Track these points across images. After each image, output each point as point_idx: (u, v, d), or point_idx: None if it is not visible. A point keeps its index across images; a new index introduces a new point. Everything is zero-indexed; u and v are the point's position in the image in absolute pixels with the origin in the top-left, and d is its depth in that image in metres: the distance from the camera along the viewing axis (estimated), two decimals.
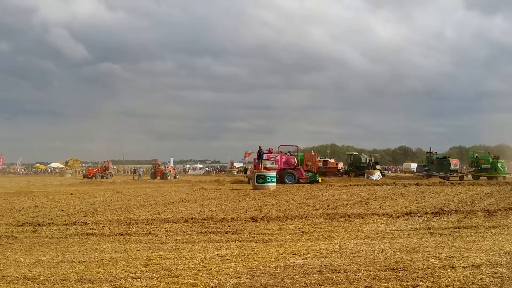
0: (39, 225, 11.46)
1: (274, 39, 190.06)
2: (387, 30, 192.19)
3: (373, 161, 50.26)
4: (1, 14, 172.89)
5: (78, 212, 14.38)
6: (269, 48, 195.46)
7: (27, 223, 11.83)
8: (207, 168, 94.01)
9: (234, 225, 11.16)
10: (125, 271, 6.41)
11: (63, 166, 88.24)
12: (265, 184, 25.87)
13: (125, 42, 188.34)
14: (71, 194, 23.79)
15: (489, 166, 40.06)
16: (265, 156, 33.00)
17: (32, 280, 5.96)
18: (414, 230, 10.18)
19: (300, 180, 33.14)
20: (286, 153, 35.12)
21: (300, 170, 33.91)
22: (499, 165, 39.67)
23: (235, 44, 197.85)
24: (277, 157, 33.59)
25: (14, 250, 8.36)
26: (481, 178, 39.79)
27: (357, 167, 49.64)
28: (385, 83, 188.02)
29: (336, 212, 13.36)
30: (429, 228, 10.51)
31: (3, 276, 6.19)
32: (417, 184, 29.27)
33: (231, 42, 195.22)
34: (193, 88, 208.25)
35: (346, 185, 30.03)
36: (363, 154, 55.12)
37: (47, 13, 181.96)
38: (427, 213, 13.02)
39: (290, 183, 31.75)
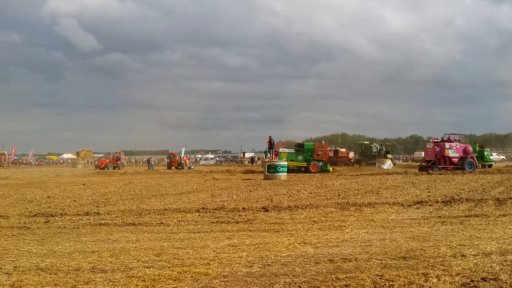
0: (52, 215, 11.58)
1: (283, 29, 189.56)
2: (397, 18, 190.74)
3: (384, 150, 49.98)
4: (11, 6, 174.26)
5: (90, 203, 14.50)
6: (278, 38, 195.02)
7: (40, 213, 11.95)
8: (218, 158, 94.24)
9: (245, 215, 11.20)
10: (138, 261, 6.47)
11: (75, 157, 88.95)
12: (276, 174, 25.84)
13: (134, 32, 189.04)
14: (83, 184, 23.98)
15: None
16: (447, 145, 32.93)
17: (45, 270, 6.01)
18: (425, 219, 10.15)
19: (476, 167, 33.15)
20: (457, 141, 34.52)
21: (474, 157, 33.93)
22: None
23: (244, 34, 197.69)
24: (458, 146, 33.37)
25: (26, 241, 8.45)
26: None
27: (368, 156, 49.38)
28: (396, 72, 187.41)
29: (347, 201, 13.34)
30: (440, 216, 10.48)
31: (15, 266, 6.26)
32: (428, 173, 29.09)
33: (239, 32, 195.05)
34: (203, 78, 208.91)
35: (357, 175, 29.95)
36: (374, 143, 54.82)
37: (56, 4, 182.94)
38: (438, 202, 12.96)
39: (470, 171, 30.99)
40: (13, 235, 9.10)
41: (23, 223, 10.66)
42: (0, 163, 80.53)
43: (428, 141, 35.32)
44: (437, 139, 34.67)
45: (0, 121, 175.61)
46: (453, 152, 32.90)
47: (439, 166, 32.33)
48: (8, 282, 5.44)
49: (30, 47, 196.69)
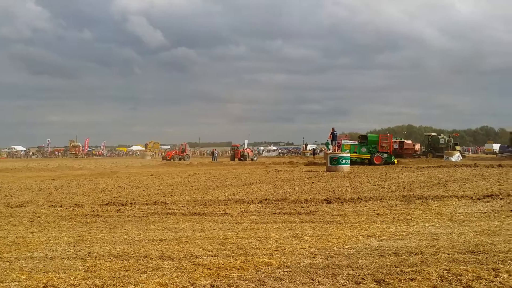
0: (122, 204, 12.09)
1: (347, 19, 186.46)
2: (467, 5, 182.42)
3: (452, 141, 48.18)
4: (82, 3, 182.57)
5: (158, 193, 15.01)
6: (342, 28, 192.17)
7: (111, 202, 12.51)
8: (280, 150, 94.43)
9: (308, 206, 11.21)
10: (203, 249, 6.67)
11: (144, 148, 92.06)
12: (339, 165, 25.59)
13: (199, 27, 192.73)
14: (151, 175, 24.84)
15: None
16: None
17: (117, 257, 6.33)
18: (495, 213, 9.73)
19: None
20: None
21: None
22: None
23: (307, 25, 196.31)
24: None
25: (99, 228, 8.91)
26: None
27: (435, 148, 47.81)
28: (465, 61, 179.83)
29: (413, 194, 13.02)
30: (511, 210, 10.03)
31: (89, 252, 6.64)
32: (500, 166, 27.71)
33: (303, 23, 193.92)
34: (266, 71, 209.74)
35: (423, 167, 29.02)
36: (441, 134, 52.94)
37: (126, 1, 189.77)
38: (509, 195, 12.36)
39: None
40: (87, 223, 9.61)
41: (96, 211, 11.21)
42: (75, 155, 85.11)
43: None
44: None
45: (74, 114, 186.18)
46: None
47: None
48: (83, 267, 5.78)
49: (102, 43, 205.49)
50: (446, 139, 48.58)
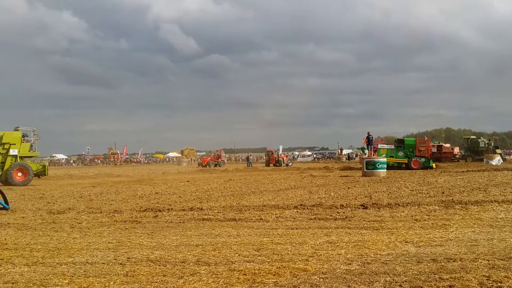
0: (160, 210, 12.25)
1: (380, 21, 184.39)
2: (506, 4, 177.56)
3: (492, 144, 46.88)
4: (117, 14, 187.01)
5: (194, 199, 15.17)
6: (375, 31, 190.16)
7: (149, 208, 12.69)
8: (315, 155, 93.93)
9: (344, 212, 11.11)
10: (239, 255, 6.71)
11: (180, 155, 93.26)
12: (375, 170, 25.32)
13: (230, 34, 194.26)
14: (188, 181, 25.13)
15: None
16: None
17: (155, 262, 6.44)
18: None
19: None
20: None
21: None
22: None
23: (340, 28, 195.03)
24: None
25: (137, 234, 9.05)
26: None
27: (475, 152, 46.64)
28: (505, 62, 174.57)
29: (452, 199, 12.75)
30: None
31: (128, 257, 6.77)
32: None
33: (335, 27, 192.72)
34: (299, 75, 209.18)
35: (462, 171, 28.42)
36: (481, 137, 51.59)
37: (158, 10, 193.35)
38: None
39: None
40: (126, 229, 9.79)
41: (134, 217, 11.40)
42: (114, 162, 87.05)
43: None
44: None
45: (112, 123, 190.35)
46: None
47: None
48: (122, 272, 5.91)
49: (137, 52, 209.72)
50: (486, 142, 47.36)
